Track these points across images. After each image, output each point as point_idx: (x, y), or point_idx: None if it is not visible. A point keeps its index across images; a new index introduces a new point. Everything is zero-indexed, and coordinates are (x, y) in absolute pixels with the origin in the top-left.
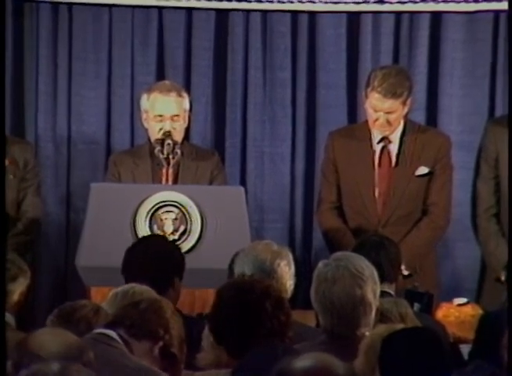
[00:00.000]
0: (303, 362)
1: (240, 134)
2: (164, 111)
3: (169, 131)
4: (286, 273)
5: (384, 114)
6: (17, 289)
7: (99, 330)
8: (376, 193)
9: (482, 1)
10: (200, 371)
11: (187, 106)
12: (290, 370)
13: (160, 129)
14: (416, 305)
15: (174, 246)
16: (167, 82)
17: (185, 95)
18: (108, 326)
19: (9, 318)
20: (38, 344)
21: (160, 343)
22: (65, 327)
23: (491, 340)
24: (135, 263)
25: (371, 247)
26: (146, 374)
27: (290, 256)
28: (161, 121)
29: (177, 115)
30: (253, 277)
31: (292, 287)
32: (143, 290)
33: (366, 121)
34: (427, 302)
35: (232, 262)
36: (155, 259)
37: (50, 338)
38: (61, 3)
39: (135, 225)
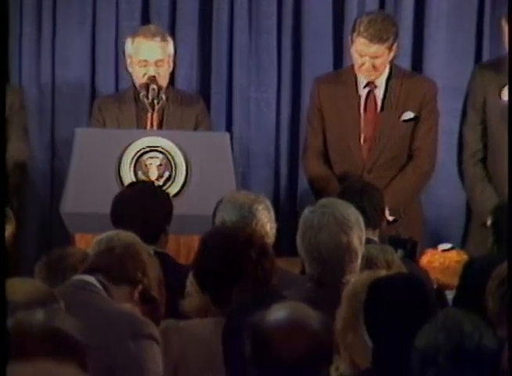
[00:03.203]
0: (276, 315)
1: (226, 80)
2: (149, 56)
3: (154, 76)
4: (266, 216)
5: (370, 59)
6: None
7: (78, 276)
8: (362, 138)
9: None
10: (184, 319)
11: (171, 50)
12: (263, 323)
13: (145, 74)
14: (400, 252)
15: (163, 193)
16: (151, 26)
17: (169, 39)
18: (86, 272)
19: None
20: (9, 291)
21: (140, 287)
22: (52, 275)
23: (475, 286)
24: (126, 211)
25: (354, 193)
26: (128, 318)
27: (268, 201)
28: (145, 65)
29: (161, 60)
30: (236, 224)
31: (274, 231)
32: (128, 236)
33: (352, 66)
34: (410, 249)
35: (216, 209)
36: (146, 207)
37: (20, 285)
38: None
39: (119, 171)
